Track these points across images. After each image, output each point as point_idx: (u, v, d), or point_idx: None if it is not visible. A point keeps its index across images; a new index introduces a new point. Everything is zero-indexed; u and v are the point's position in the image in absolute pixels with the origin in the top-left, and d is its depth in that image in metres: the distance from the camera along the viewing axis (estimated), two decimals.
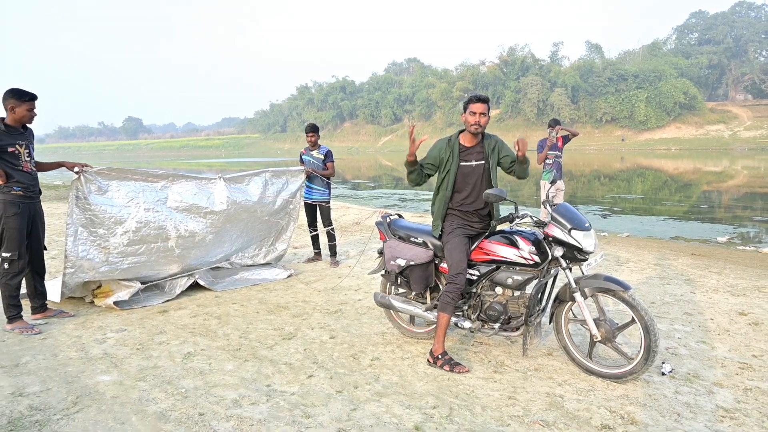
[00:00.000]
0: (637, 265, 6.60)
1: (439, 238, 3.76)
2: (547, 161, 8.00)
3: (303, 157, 6.67)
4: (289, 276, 5.99)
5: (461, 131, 3.71)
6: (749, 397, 3.09)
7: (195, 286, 5.40)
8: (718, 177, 25.40)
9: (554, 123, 8.02)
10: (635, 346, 3.65)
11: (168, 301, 5.03)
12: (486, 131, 3.71)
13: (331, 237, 6.65)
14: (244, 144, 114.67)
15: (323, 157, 6.54)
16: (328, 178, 6.56)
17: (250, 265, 6.22)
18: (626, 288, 3.22)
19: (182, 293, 5.22)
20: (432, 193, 3.84)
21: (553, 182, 4.72)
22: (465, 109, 3.60)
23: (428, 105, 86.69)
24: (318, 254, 6.90)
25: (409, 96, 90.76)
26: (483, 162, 3.65)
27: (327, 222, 6.62)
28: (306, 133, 6.59)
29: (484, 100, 3.55)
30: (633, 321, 3.25)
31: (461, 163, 3.62)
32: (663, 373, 3.40)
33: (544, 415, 2.90)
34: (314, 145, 6.59)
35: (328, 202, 6.64)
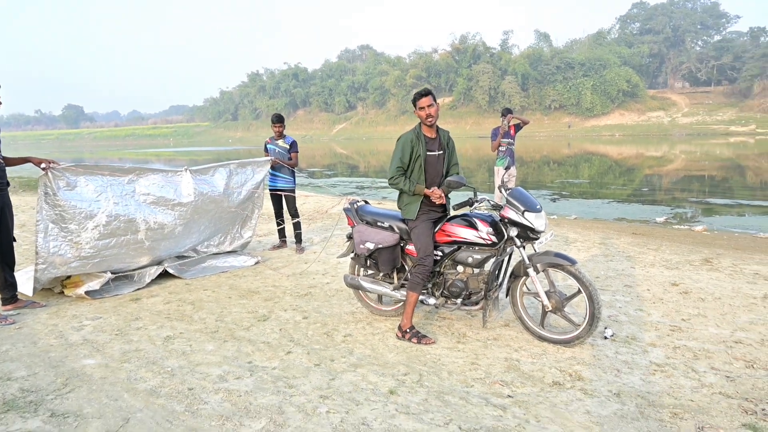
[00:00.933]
0: (584, 244, 7.13)
1: (404, 221, 4.03)
2: (500, 148, 8.40)
3: (268, 146, 6.82)
4: (256, 263, 6.16)
5: (420, 124, 3.92)
6: (677, 354, 3.55)
7: (164, 275, 5.50)
8: (659, 161, 26.86)
9: (506, 112, 8.41)
10: (581, 314, 4.06)
11: (139, 289, 5.13)
12: (439, 124, 3.98)
13: (296, 225, 6.85)
14: (194, 133, 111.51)
15: (288, 147, 6.72)
16: (293, 168, 6.74)
17: (217, 253, 6.34)
18: (573, 262, 3.61)
19: (152, 281, 5.32)
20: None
21: (507, 168, 5.05)
22: (415, 107, 3.83)
23: (382, 92, 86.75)
24: (284, 242, 7.08)
25: (362, 83, 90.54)
26: (442, 152, 3.93)
27: (293, 210, 6.79)
28: (272, 123, 6.73)
29: (427, 93, 3.79)
30: (579, 292, 3.64)
31: (428, 153, 3.86)
32: (605, 337, 3.83)
33: (503, 376, 3.26)
34: (280, 135, 6.74)
35: (293, 191, 6.83)
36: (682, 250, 6.86)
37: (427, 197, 3.90)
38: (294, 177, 6.83)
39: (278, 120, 6.72)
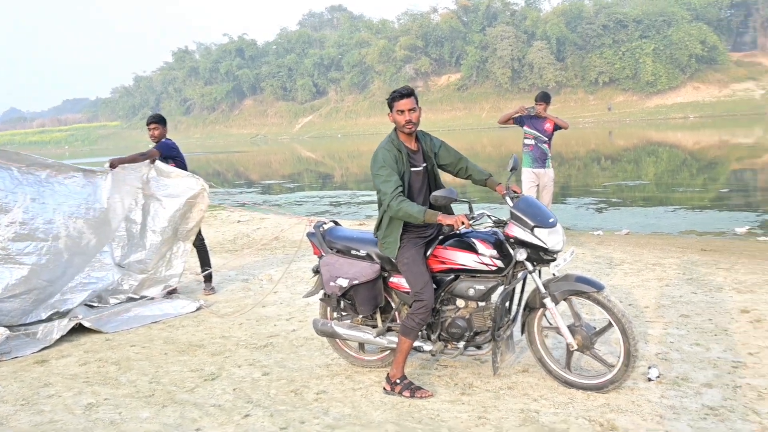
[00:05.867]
0: (633, 266, 7.63)
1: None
2: (526, 141, 8.91)
3: None
4: (198, 309, 6.60)
5: (395, 130, 4.34)
6: (738, 395, 4.01)
7: (75, 330, 5.91)
8: (750, 152, 27.72)
9: (543, 98, 8.81)
10: (616, 352, 4.51)
11: (44, 349, 5.55)
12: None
13: (201, 250, 7.42)
14: (98, 136, 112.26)
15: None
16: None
17: (141, 298, 6.80)
18: (599, 288, 4.06)
19: (61, 338, 5.74)
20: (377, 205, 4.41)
21: (512, 170, 5.08)
22: (390, 108, 4.26)
23: (362, 71, 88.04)
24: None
25: (334, 59, 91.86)
26: (425, 164, 4.41)
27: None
28: (147, 124, 7.21)
29: (409, 93, 4.23)
30: (610, 324, 4.09)
31: (411, 169, 4.32)
32: (650, 379, 4.29)
33: (517, 431, 3.69)
34: (157, 141, 7.19)
35: None
36: (763, 268, 7.37)
37: (413, 226, 4.27)
38: None
39: (154, 120, 7.17)
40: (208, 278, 7.39)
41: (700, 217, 12.93)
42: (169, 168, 6.93)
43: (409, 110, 4.18)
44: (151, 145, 7.16)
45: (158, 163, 6.87)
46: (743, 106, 59.06)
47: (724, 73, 66.88)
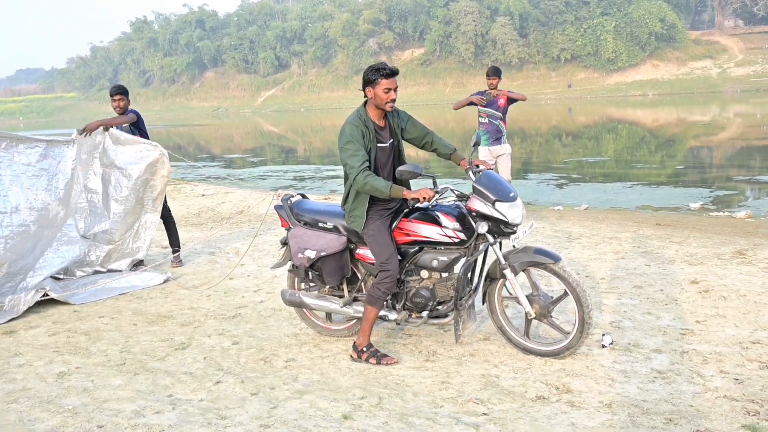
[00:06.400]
0: (591, 240, 7.90)
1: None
2: (480, 119, 9.05)
3: None
4: (165, 281, 6.68)
5: (365, 103, 4.43)
6: (684, 359, 4.27)
7: (42, 302, 5.96)
8: (706, 129, 28.40)
9: (494, 72, 8.91)
10: (572, 320, 4.74)
11: (12, 320, 5.60)
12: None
13: (168, 223, 7.48)
14: (54, 108, 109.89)
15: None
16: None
17: (110, 271, 6.84)
18: (556, 259, 4.27)
19: (28, 310, 5.79)
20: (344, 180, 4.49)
21: (476, 145, 5.24)
22: (372, 83, 4.28)
23: (325, 44, 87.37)
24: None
25: (297, 32, 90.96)
26: (392, 140, 4.53)
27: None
28: (112, 95, 7.19)
29: (396, 72, 4.33)
30: (566, 294, 4.31)
31: (378, 145, 4.43)
32: (603, 346, 4.53)
33: (478, 394, 3.90)
34: (123, 112, 7.19)
35: None
36: (713, 242, 7.70)
37: (379, 200, 4.39)
38: None
39: (119, 91, 7.17)
40: (175, 250, 7.47)
41: (656, 192, 13.35)
42: (125, 135, 6.93)
43: (395, 89, 4.29)
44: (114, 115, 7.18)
45: (112, 131, 6.86)
46: (700, 84, 60.28)
47: (683, 51, 68.00)
